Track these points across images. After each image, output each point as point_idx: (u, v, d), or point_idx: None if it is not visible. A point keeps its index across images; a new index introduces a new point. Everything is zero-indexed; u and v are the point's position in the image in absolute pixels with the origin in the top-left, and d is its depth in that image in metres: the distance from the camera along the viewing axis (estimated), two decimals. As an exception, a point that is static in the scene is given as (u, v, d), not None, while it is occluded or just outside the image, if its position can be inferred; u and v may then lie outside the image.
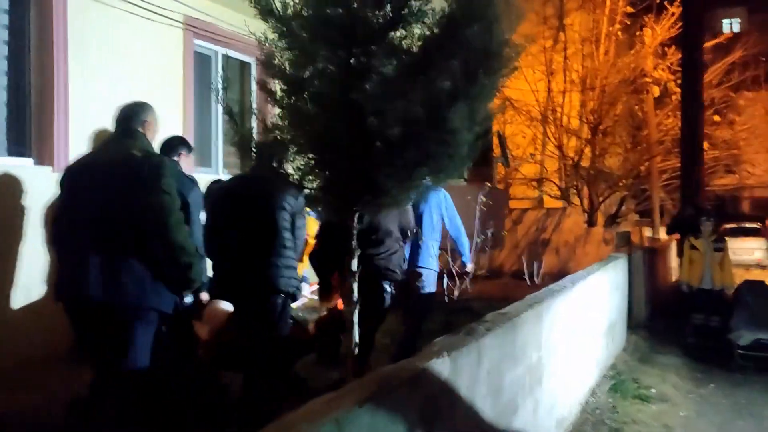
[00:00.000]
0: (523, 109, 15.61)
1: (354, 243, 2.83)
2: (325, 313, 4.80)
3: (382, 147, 2.53)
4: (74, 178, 3.11)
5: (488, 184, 9.38)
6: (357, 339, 2.86)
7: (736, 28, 29.56)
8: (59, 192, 3.18)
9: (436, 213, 4.97)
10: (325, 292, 4.55)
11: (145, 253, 2.91)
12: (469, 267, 5.72)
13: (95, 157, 3.22)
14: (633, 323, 7.96)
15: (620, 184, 15.76)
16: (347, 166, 2.57)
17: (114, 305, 2.89)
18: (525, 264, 5.54)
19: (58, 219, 3.20)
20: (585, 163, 14.98)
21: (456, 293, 5.60)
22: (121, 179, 2.96)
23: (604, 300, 6.14)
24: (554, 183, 16.08)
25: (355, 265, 2.86)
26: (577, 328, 4.87)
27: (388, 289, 4.31)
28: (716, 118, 16.15)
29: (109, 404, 3.00)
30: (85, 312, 2.96)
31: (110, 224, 2.92)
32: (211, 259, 3.86)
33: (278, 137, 2.70)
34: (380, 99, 2.57)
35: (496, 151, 12.76)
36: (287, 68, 2.53)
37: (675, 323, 8.15)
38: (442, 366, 2.52)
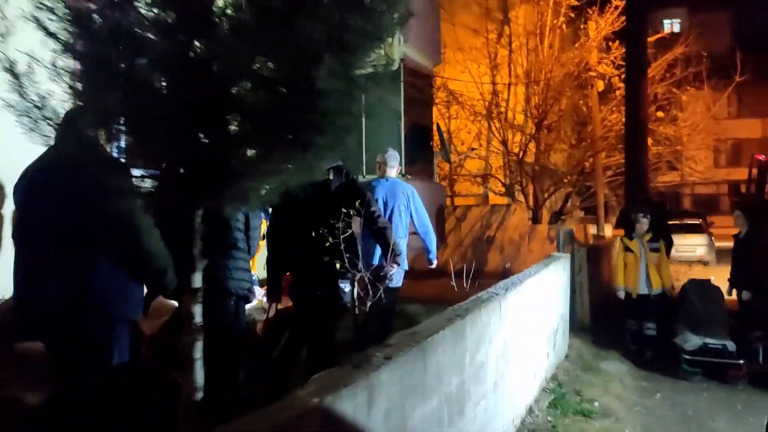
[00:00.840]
0: (467, 104, 15.17)
1: (197, 250, 2.12)
2: (273, 314, 4.68)
3: (230, 118, 1.84)
4: (29, 184, 2.87)
5: (408, 176, 8.74)
6: (200, 381, 2.15)
7: (677, 29, 29.97)
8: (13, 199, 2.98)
9: (404, 210, 4.98)
10: (274, 293, 4.36)
11: (114, 259, 2.79)
12: (434, 263, 5.49)
13: (52, 162, 2.85)
14: (576, 326, 7.48)
15: (565, 180, 15.49)
16: (185, 146, 1.87)
17: (79, 313, 2.77)
18: (451, 266, 4.98)
19: (15, 229, 3.04)
20: (529, 159, 14.62)
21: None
22: (83, 183, 2.68)
23: (545, 305, 5.59)
24: (499, 179, 15.70)
25: (198, 280, 2.14)
26: (511, 341, 4.29)
27: (346, 289, 4.08)
28: (659, 114, 16.04)
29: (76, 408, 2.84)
30: (49, 321, 2.82)
31: (74, 230, 2.74)
32: None
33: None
34: (231, 53, 1.88)
35: (436, 145, 12.18)
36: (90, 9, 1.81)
37: (619, 325, 7.69)
38: (311, 417, 1.86)
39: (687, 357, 6.37)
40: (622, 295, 7.31)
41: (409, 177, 8.41)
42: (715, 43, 22.25)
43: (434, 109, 14.74)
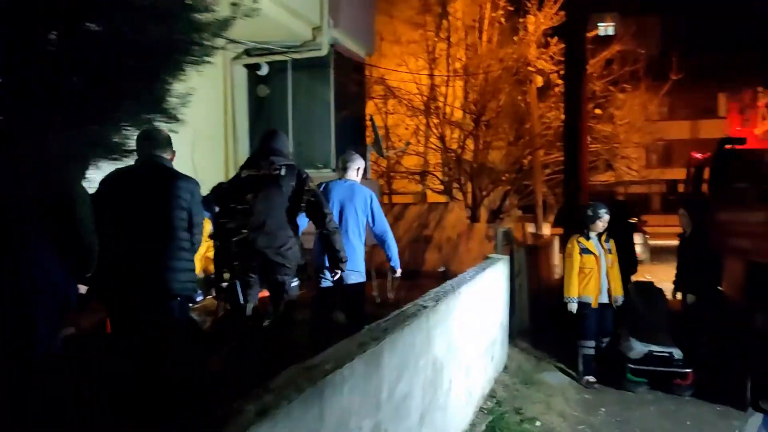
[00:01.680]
0: (405, 98, 14.61)
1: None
2: (222, 313, 4.68)
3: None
4: None
5: (319, 164, 8.07)
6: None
7: (611, 31, 30.36)
8: None
9: (361, 213, 4.84)
10: (222, 293, 4.34)
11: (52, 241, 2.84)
12: (398, 272, 5.23)
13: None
14: (515, 332, 6.97)
15: (503, 178, 15.13)
16: None
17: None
18: (374, 276, 4.36)
19: None
20: (468, 156, 14.18)
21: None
22: None
23: (482, 314, 5.01)
24: (437, 177, 15.22)
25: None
26: (442, 361, 3.66)
27: (293, 284, 4.07)
28: (597, 111, 15.87)
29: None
30: None
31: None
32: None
33: None
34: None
35: (370, 139, 11.53)
36: None
37: (560, 329, 7.16)
38: None
39: (632, 366, 5.92)
40: (574, 308, 6.04)
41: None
42: (647, 46, 22.51)
43: (371, 103, 14.12)
